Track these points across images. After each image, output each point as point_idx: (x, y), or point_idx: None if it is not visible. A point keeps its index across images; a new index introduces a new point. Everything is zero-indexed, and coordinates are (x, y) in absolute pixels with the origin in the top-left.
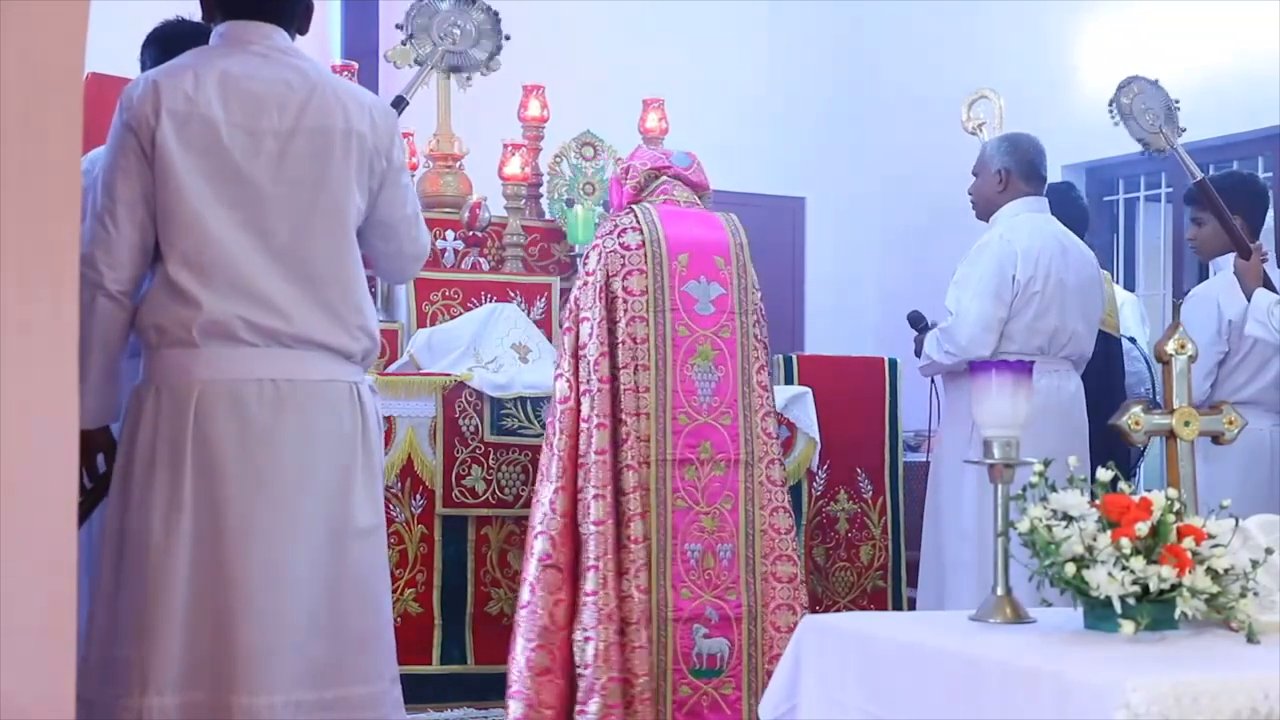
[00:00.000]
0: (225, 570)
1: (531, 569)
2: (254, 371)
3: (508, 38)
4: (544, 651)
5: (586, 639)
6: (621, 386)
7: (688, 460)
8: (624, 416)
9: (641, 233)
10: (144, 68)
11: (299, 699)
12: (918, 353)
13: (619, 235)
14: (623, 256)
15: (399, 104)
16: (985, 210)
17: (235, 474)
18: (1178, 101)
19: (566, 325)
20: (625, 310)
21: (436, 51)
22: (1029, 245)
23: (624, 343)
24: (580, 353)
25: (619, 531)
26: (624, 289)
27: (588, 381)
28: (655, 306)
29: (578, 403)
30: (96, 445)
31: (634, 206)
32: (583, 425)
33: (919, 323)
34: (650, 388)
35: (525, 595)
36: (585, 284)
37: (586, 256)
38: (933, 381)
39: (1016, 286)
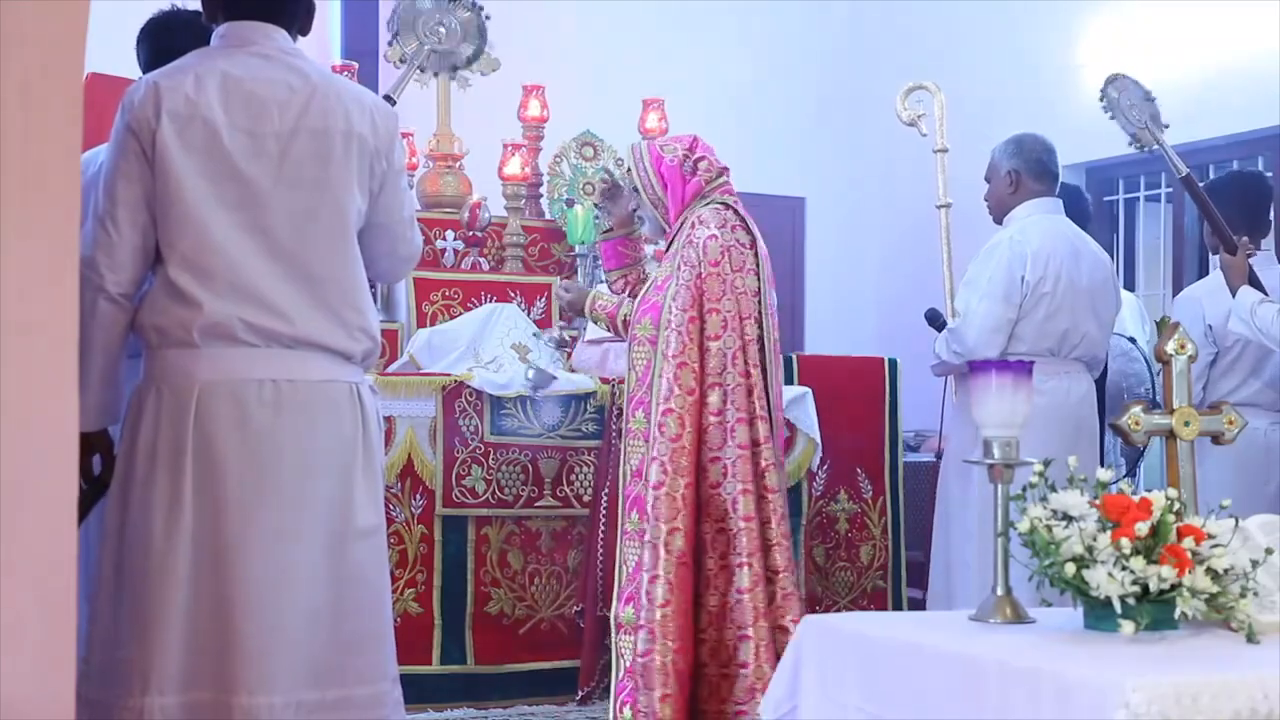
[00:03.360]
0: (226, 571)
1: (664, 566)
2: (254, 372)
3: (488, 17)
4: (681, 655)
5: (743, 637)
6: (751, 384)
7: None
8: (758, 414)
9: (749, 231)
10: (140, 60)
11: (300, 699)
12: (935, 351)
13: (732, 231)
14: (741, 253)
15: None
16: (1000, 213)
17: (236, 474)
18: (1155, 100)
19: (689, 314)
20: (739, 308)
21: (422, 50)
22: (1040, 247)
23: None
24: (708, 344)
25: (763, 530)
26: (743, 287)
27: (721, 375)
28: (764, 308)
29: (704, 394)
30: (93, 447)
31: (728, 201)
32: (713, 419)
33: (936, 320)
34: (763, 389)
35: (661, 593)
36: (711, 275)
37: (705, 246)
38: (946, 381)
39: (1026, 288)
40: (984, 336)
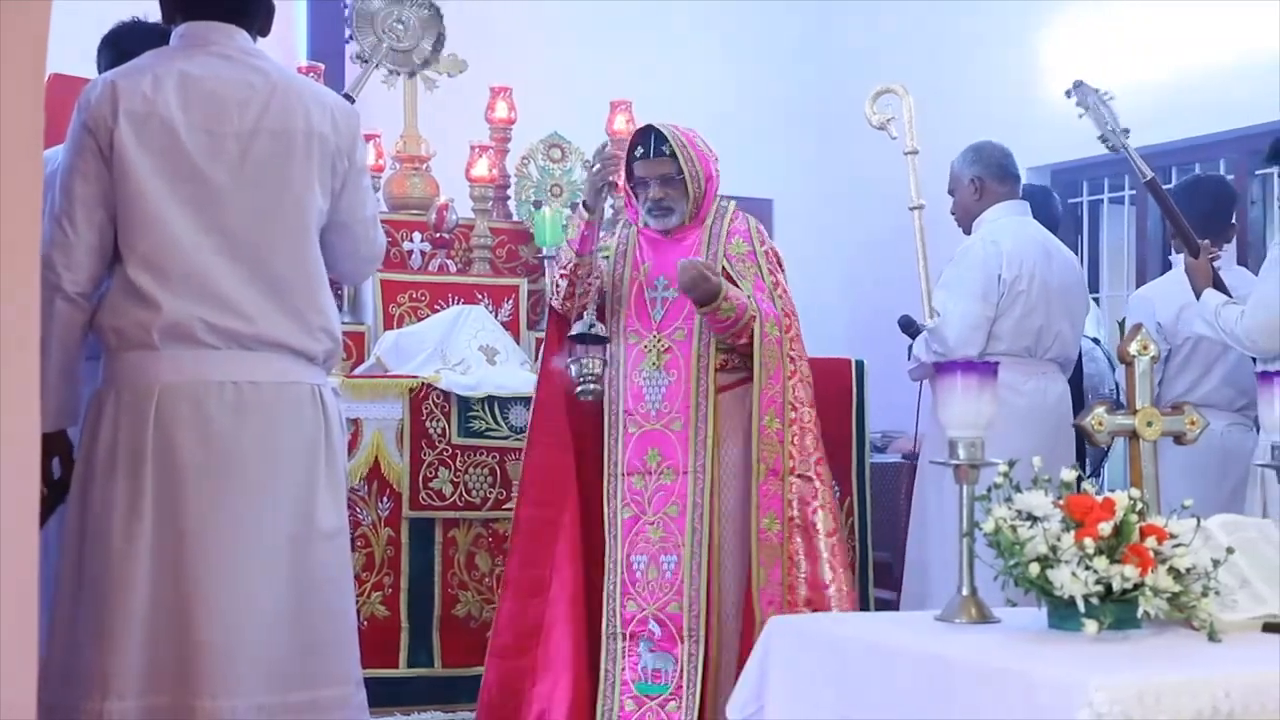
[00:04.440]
0: (186, 574)
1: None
2: (215, 374)
3: (438, 15)
4: None
5: None
6: None
7: None
8: None
9: None
10: (100, 70)
11: (261, 702)
12: (910, 356)
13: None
14: None
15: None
16: (968, 222)
17: (196, 477)
18: (1112, 96)
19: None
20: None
21: (381, 46)
22: (1014, 247)
23: None
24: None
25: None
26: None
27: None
28: None
29: None
30: (52, 449)
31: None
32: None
33: (910, 327)
34: None
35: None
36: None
37: (775, 253)
38: (921, 385)
39: (1003, 286)
40: (964, 335)
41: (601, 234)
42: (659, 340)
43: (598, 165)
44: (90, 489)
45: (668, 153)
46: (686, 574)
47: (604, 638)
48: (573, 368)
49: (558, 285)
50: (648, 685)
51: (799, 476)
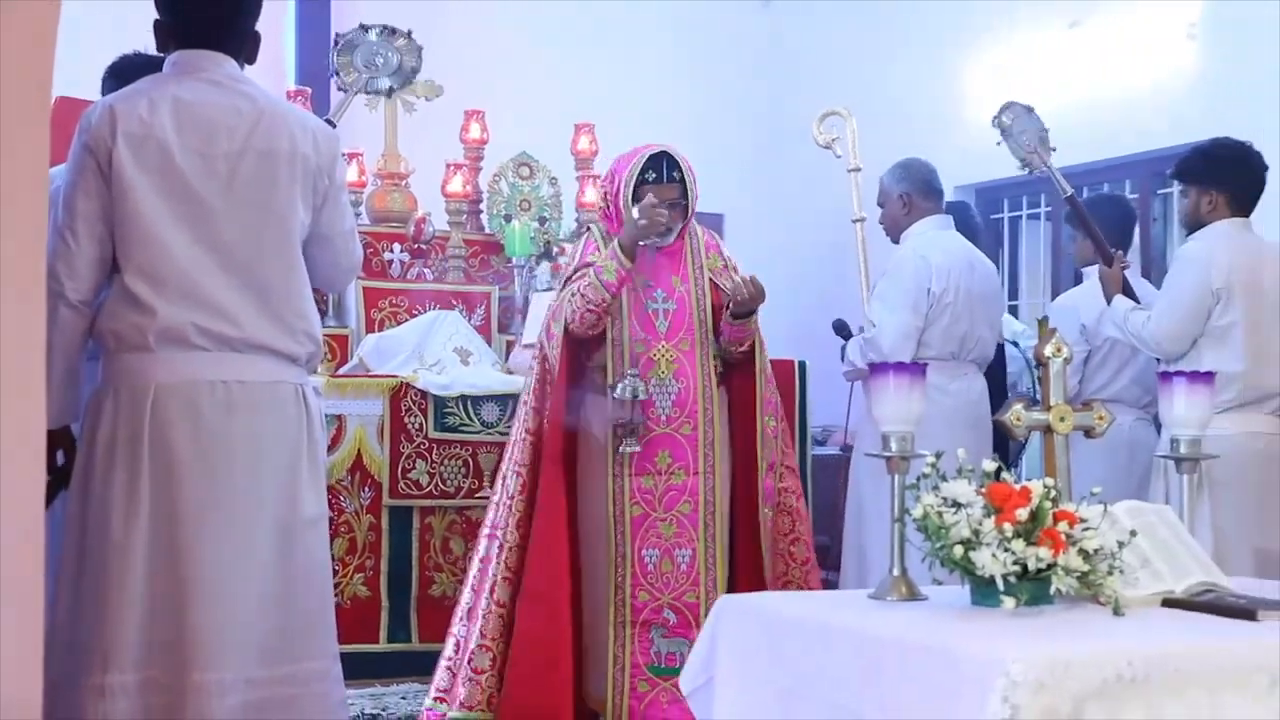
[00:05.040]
0: (180, 558)
1: None
2: (206, 374)
3: (421, 50)
4: None
5: None
6: None
7: None
8: None
9: None
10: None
11: (249, 676)
12: (843, 357)
13: None
14: None
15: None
16: (896, 233)
17: (190, 469)
18: (1047, 129)
19: None
20: None
21: (361, 78)
22: (941, 261)
23: None
24: None
25: None
26: None
27: None
28: None
29: None
30: (56, 443)
31: None
32: None
33: (843, 330)
34: None
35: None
36: None
37: (735, 264)
38: (853, 385)
39: (931, 298)
40: (897, 344)
41: (595, 248)
42: (668, 350)
43: (644, 221)
44: (90, 481)
45: (678, 178)
46: (702, 566)
47: (610, 626)
48: (623, 424)
49: (583, 317)
50: (661, 668)
51: (787, 468)
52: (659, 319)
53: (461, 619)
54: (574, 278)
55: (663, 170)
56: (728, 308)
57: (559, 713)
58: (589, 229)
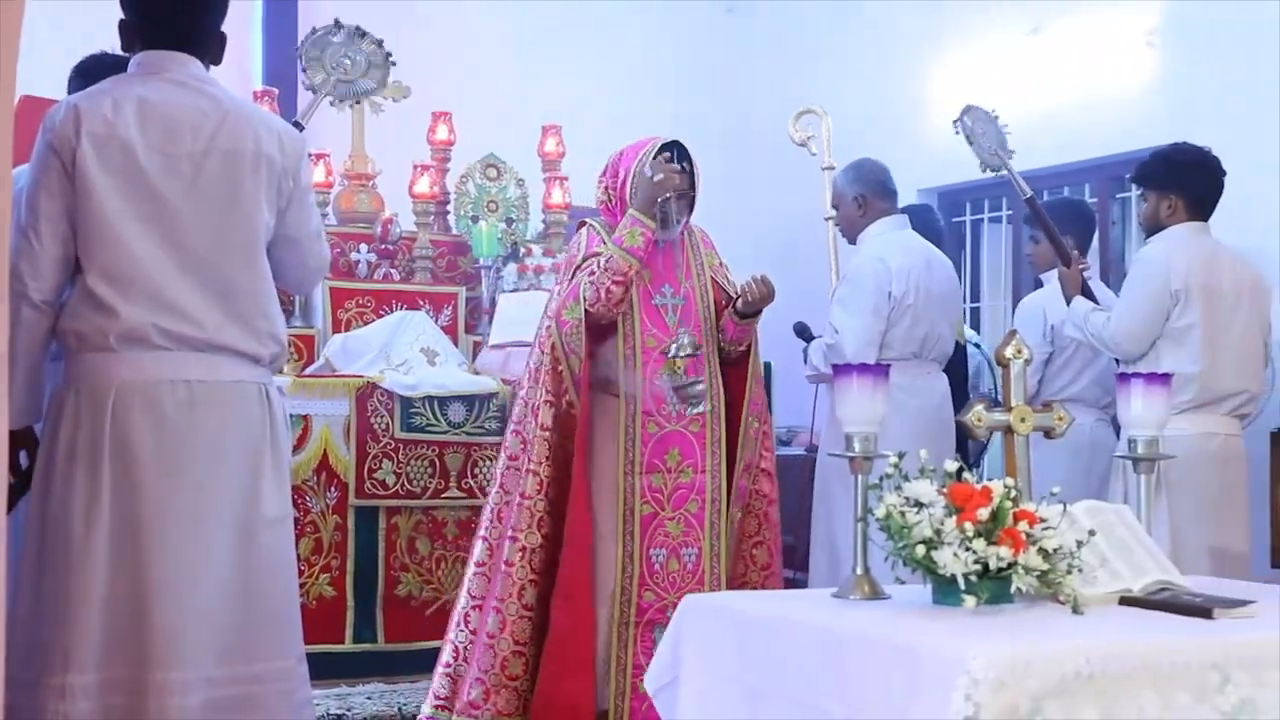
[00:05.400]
0: (141, 557)
1: None
2: (168, 373)
3: (393, 62)
4: None
5: None
6: None
7: None
8: None
9: None
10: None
11: (210, 675)
12: (806, 360)
13: None
14: None
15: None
16: (852, 234)
17: (150, 468)
18: (1008, 128)
19: None
20: None
21: (329, 80)
22: (901, 263)
23: None
24: None
25: None
26: None
27: None
28: None
29: None
30: (19, 444)
31: None
32: None
33: (804, 333)
34: None
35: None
36: None
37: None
38: (818, 386)
39: (892, 301)
40: (860, 349)
41: (599, 240)
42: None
43: (660, 176)
44: (52, 480)
45: (687, 169)
46: (708, 564)
47: (613, 626)
48: (682, 387)
49: (610, 291)
50: None
51: (763, 471)
52: (668, 314)
53: (459, 624)
54: (583, 266)
55: (674, 157)
56: (733, 306)
57: (584, 713)
58: (587, 224)
